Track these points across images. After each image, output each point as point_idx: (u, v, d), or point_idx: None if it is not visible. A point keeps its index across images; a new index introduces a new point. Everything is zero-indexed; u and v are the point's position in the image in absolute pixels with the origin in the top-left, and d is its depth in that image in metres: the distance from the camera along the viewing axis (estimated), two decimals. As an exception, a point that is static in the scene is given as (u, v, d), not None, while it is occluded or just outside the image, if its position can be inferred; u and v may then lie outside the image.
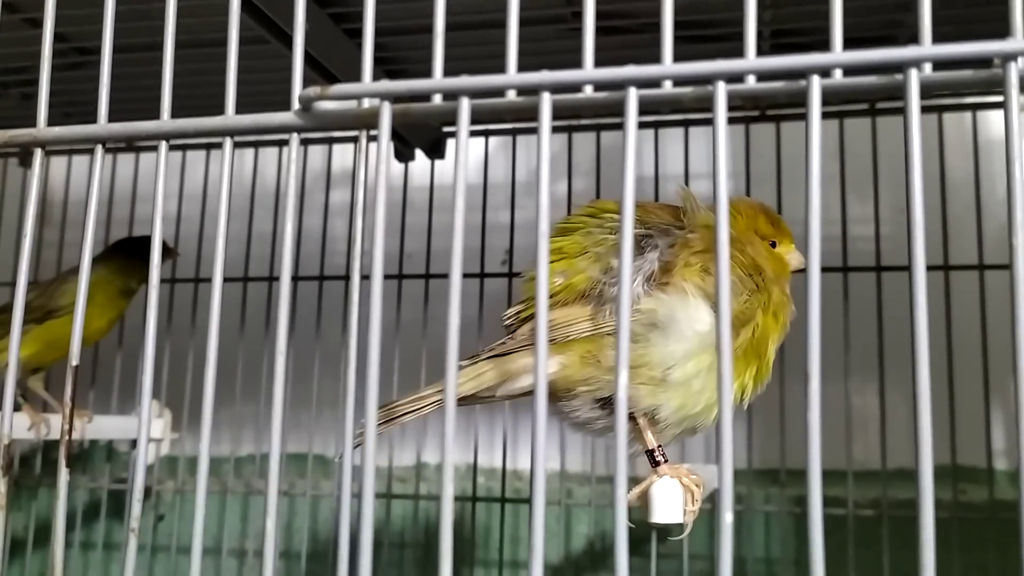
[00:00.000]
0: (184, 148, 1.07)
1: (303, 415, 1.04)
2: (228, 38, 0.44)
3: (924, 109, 0.35)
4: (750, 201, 0.66)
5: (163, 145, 0.44)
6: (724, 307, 0.35)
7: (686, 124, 0.95)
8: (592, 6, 0.39)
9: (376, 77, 0.41)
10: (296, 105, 0.42)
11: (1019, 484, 0.33)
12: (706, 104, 0.37)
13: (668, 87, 0.37)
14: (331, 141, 1.05)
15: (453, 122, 0.38)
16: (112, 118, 0.45)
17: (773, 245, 0.64)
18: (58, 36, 0.74)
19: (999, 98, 0.41)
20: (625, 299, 0.36)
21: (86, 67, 0.84)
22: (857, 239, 0.92)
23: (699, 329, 0.56)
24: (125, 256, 0.97)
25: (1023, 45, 0.34)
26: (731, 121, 0.42)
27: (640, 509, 0.58)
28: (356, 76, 0.41)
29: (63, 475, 0.42)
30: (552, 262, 0.53)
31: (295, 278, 0.99)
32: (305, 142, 1.03)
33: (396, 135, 1.01)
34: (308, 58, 0.73)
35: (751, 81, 0.37)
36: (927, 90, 0.35)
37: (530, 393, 0.42)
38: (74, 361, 0.44)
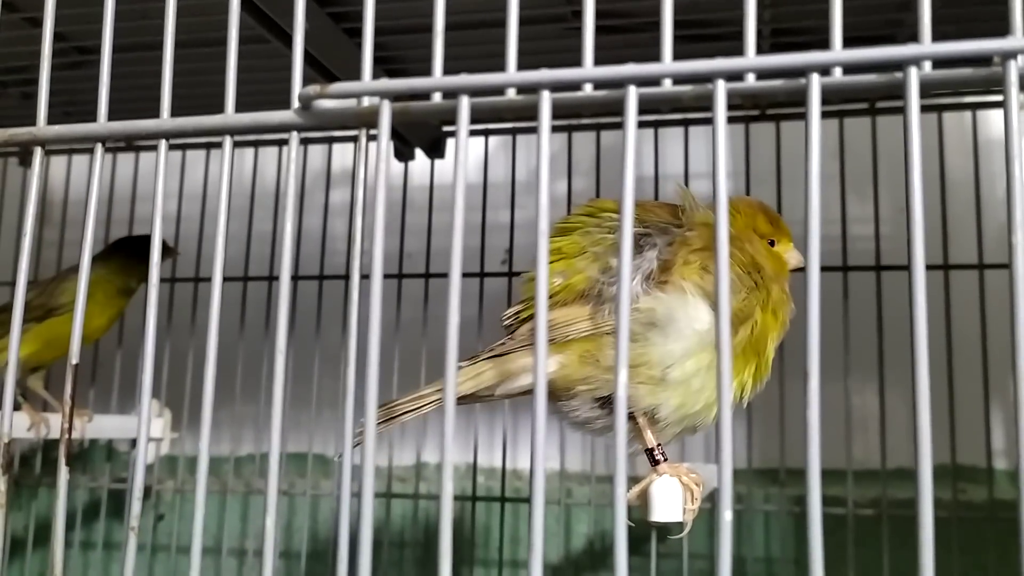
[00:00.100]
0: (184, 147, 1.07)
1: (303, 415, 1.04)
2: (228, 37, 0.44)
3: (924, 108, 0.35)
4: (749, 200, 0.66)
5: (163, 144, 0.44)
6: (723, 305, 0.35)
7: (686, 123, 0.95)
8: (592, 5, 0.39)
9: (376, 76, 0.41)
10: (296, 104, 0.42)
11: (1019, 484, 0.33)
12: (706, 102, 0.37)
13: (668, 85, 0.37)
14: (331, 140, 1.05)
15: (453, 121, 0.38)
16: (112, 117, 0.45)
17: (772, 244, 0.64)
18: (58, 35, 0.74)
19: (999, 97, 0.41)
20: (624, 298, 0.36)
21: (86, 66, 0.84)
22: (857, 238, 0.92)
23: (698, 328, 0.56)
24: (125, 255, 0.97)
25: (1022, 43, 0.34)
26: (731, 120, 0.43)
27: (640, 508, 0.58)
28: (356, 75, 0.41)
29: (63, 474, 0.42)
30: (551, 262, 0.53)
31: (295, 277, 0.99)
32: (305, 141, 1.03)
33: (396, 134, 1.01)
34: (308, 57, 0.73)
35: (751, 79, 0.37)
36: (927, 88, 0.35)
37: (529, 392, 0.42)
38: (74, 360, 0.44)
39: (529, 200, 0.86)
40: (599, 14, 0.39)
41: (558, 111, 0.37)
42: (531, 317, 0.59)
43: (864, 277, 0.90)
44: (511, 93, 0.38)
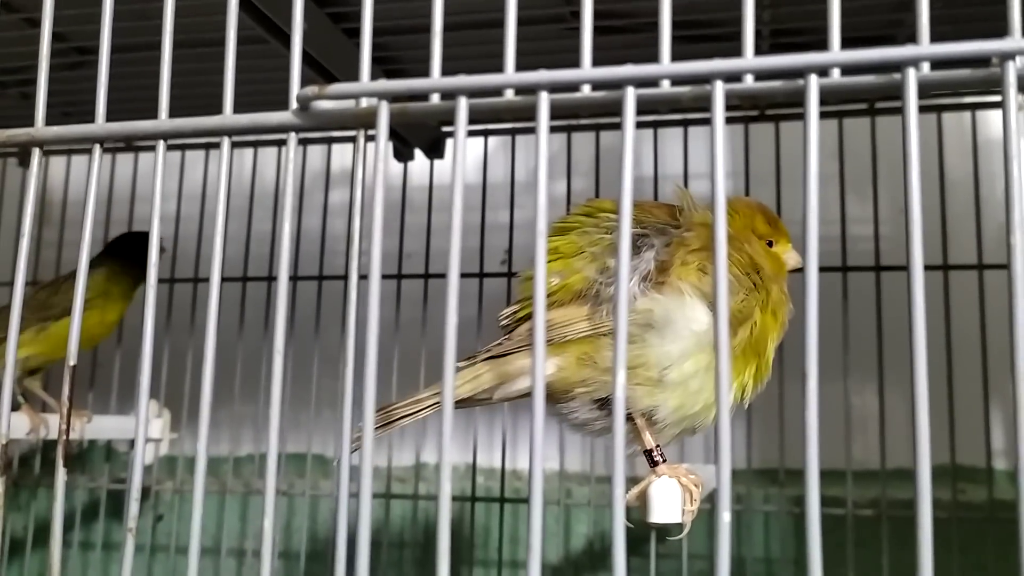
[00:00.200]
0: (183, 148, 1.07)
1: (302, 415, 1.04)
2: (226, 37, 0.44)
3: (923, 109, 0.35)
4: (747, 200, 0.66)
5: (161, 145, 0.44)
6: (722, 306, 0.35)
7: (685, 124, 0.95)
8: (590, 5, 0.39)
9: (374, 76, 0.41)
10: (294, 104, 0.42)
11: (1018, 484, 0.33)
12: (704, 103, 0.37)
13: (666, 86, 0.37)
14: (330, 141, 1.05)
15: (451, 122, 0.38)
16: (110, 117, 0.45)
17: (770, 244, 0.64)
18: (56, 36, 0.74)
19: (997, 97, 0.41)
20: (623, 300, 0.35)
21: (84, 67, 0.84)
22: (856, 239, 0.92)
23: (696, 329, 0.56)
24: (125, 258, 0.97)
25: (1021, 44, 0.34)
26: (730, 121, 0.43)
27: (639, 509, 0.58)
28: (354, 76, 0.41)
29: (61, 475, 0.42)
30: (548, 262, 0.53)
31: (294, 278, 0.99)
32: (304, 142, 1.03)
33: (395, 135, 1.01)
34: (306, 57, 0.73)
35: (749, 80, 0.37)
36: (925, 89, 0.35)
37: (528, 396, 0.42)
38: (72, 361, 0.44)
39: (528, 200, 0.86)
40: (598, 15, 0.39)
41: (557, 112, 0.37)
42: (528, 317, 0.59)
43: (863, 277, 0.90)
44: (509, 94, 0.38)
